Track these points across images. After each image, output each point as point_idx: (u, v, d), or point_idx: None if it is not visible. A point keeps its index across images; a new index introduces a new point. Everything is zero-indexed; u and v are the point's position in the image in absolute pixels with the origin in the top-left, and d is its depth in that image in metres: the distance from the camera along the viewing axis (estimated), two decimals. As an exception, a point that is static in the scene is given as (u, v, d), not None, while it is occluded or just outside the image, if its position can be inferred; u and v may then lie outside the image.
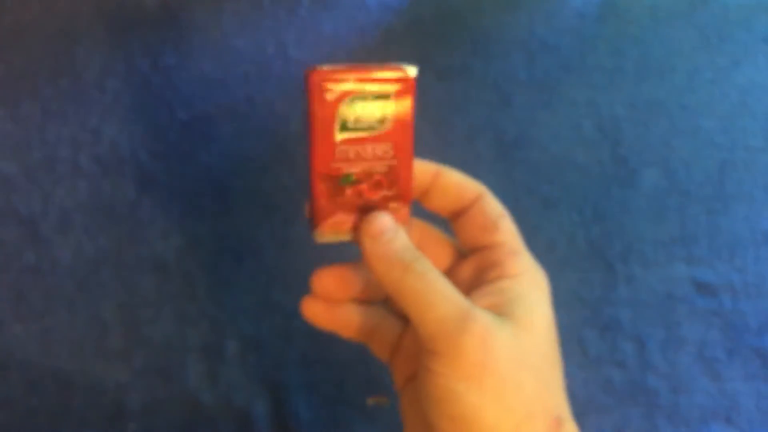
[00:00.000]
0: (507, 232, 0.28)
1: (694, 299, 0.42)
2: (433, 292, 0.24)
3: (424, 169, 0.28)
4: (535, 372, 0.23)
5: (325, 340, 0.41)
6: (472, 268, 0.27)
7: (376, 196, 0.26)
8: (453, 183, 0.29)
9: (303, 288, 0.42)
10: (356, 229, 0.27)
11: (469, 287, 0.26)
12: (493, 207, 0.28)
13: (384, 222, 0.25)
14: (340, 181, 0.26)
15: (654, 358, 0.41)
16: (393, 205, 0.27)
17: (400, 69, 0.25)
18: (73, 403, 0.40)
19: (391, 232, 0.25)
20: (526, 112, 0.43)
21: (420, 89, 0.25)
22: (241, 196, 0.42)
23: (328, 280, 0.28)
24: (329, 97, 0.25)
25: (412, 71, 0.25)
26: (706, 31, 0.44)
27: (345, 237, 0.27)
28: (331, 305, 0.29)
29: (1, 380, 0.40)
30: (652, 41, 0.44)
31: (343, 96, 0.25)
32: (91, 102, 0.42)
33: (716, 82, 0.44)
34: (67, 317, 0.41)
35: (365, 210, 0.26)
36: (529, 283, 0.26)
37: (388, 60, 0.43)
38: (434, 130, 0.42)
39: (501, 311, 0.24)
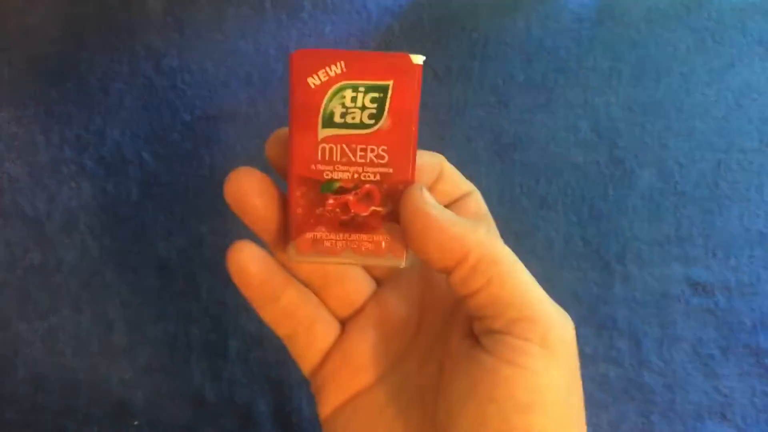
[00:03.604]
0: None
1: (689, 298, 0.42)
2: (522, 269, 0.21)
3: (425, 166, 0.23)
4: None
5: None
6: None
7: (365, 210, 0.21)
8: (452, 178, 0.24)
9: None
10: (343, 249, 0.22)
11: None
12: (482, 205, 0.25)
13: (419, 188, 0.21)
14: (321, 188, 0.21)
15: (649, 356, 0.42)
16: (388, 226, 0.22)
17: (402, 56, 0.20)
18: (78, 400, 0.41)
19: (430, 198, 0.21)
20: (523, 114, 0.43)
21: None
22: (243, 197, 0.42)
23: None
24: (312, 82, 0.21)
25: (417, 59, 0.20)
26: (702, 34, 0.45)
27: (329, 259, 0.22)
28: (269, 259, 0.23)
29: (7, 378, 0.41)
30: (648, 44, 0.44)
31: (330, 83, 0.21)
32: (95, 104, 0.43)
33: (711, 84, 0.44)
34: (72, 316, 0.41)
35: (352, 228, 0.22)
36: None
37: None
38: (432, 131, 0.43)
39: None
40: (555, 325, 0.20)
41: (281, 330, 0.24)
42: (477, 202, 0.24)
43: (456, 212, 0.21)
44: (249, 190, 0.22)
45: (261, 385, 0.41)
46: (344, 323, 0.25)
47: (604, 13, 0.45)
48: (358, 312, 0.25)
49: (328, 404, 0.24)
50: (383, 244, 0.22)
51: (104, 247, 0.42)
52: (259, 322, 0.42)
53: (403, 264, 0.22)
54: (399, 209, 0.21)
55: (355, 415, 0.23)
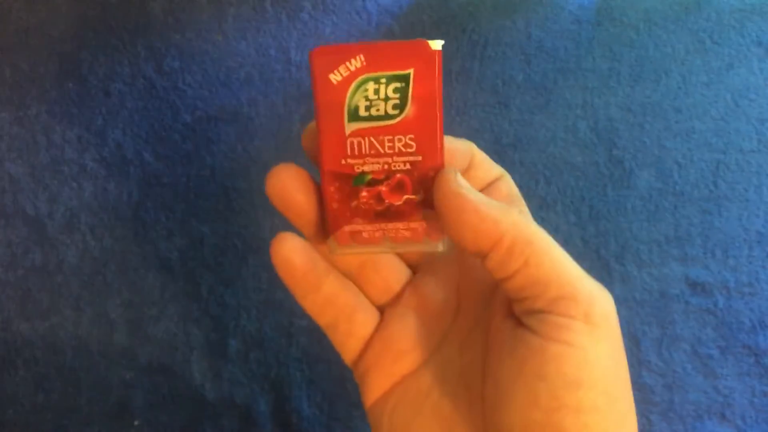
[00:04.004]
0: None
1: (688, 298, 0.42)
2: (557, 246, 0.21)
3: (456, 152, 0.23)
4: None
5: (325, 338, 0.42)
6: None
7: (398, 199, 0.22)
8: (483, 165, 0.24)
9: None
10: (382, 239, 0.22)
11: None
12: (513, 188, 0.25)
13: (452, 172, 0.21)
14: (353, 182, 0.22)
15: (649, 356, 0.42)
16: (424, 213, 0.22)
17: (420, 43, 0.20)
18: (79, 400, 0.41)
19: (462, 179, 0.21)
20: (523, 115, 0.44)
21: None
22: (243, 197, 0.43)
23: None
24: (334, 79, 0.21)
25: (435, 44, 0.21)
26: (700, 35, 0.45)
27: (368, 249, 0.23)
28: (311, 249, 0.23)
29: (8, 377, 0.41)
30: (647, 45, 0.45)
31: (352, 78, 0.21)
32: (96, 104, 0.43)
33: (710, 84, 0.44)
34: (72, 316, 0.41)
35: (388, 217, 0.22)
36: None
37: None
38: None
39: None
40: (596, 301, 0.20)
41: (322, 319, 0.25)
42: (508, 185, 0.25)
43: (489, 196, 0.22)
44: (291, 187, 0.22)
45: (261, 385, 0.41)
46: (383, 310, 0.25)
47: (603, 14, 0.45)
48: (396, 299, 0.25)
49: (373, 391, 0.24)
50: (420, 231, 0.22)
51: (105, 247, 0.42)
52: (259, 321, 0.42)
53: (440, 248, 0.22)
54: (433, 194, 0.21)
55: (401, 401, 0.24)
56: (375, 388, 0.24)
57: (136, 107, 0.43)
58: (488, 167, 0.24)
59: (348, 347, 0.25)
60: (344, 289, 0.24)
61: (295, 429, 0.41)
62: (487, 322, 0.23)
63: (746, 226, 0.43)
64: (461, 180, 0.21)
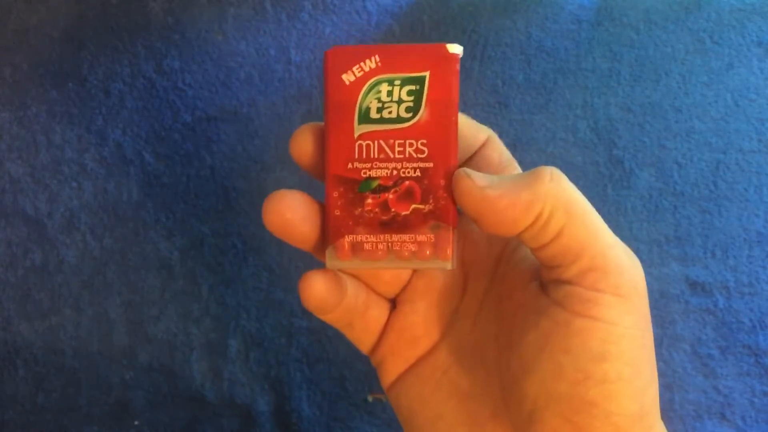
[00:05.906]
0: None
1: (688, 298, 0.42)
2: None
3: (470, 135, 0.22)
4: None
5: (325, 338, 0.42)
6: None
7: (406, 209, 0.20)
8: (469, 132, 0.23)
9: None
10: (385, 252, 0.21)
11: None
12: (503, 151, 0.24)
13: (466, 173, 0.20)
14: (359, 187, 0.20)
15: (649, 356, 0.42)
16: (431, 225, 0.21)
17: (438, 46, 0.20)
18: (79, 400, 0.41)
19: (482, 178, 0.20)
20: (523, 115, 0.44)
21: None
22: (243, 197, 0.43)
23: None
24: (347, 79, 0.20)
25: (453, 48, 0.20)
26: (700, 35, 0.45)
27: (369, 264, 0.21)
28: (341, 277, 0.23)
29: (8, 377, 0.41)
30: (647, 45, 0.45)
31: (365, 78, 0.20)
32: (96, 104, 0.43)
33: (710, 84, 0.44)
34: (72, 315, 0.41)
35: (393, 228, 0.21)
36: None
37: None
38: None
39: None
40: (626, 271, 0.20)
41: (338, 324, 0.25)
42: (497, 149, 0.24)
43: (481, 168, 0.21)
44: (293, 219, 0.21)
45: (261, 385, 0.41)
46: (394, 300, 0.26)
47: (602, 14, 0.45)
48: (405, 287, 0.25)
49: (390, 375, 0.25)
50: (427, 245, 0.21)
51: (105, 247, 0.42)
52: (259, 321, 0.42)
53: (450, 266, 0.21)
54: (456, 201, 0.20)
55: (419, 380, 0.24)
56: (392, 371, 0.25)
57: (136, 107, 0.43)
58: (474, 131, 0.23)
59: (363, 341, 0.25)
60: (357, 293, 0.24)
61: (295, 429, 0.41)
62: (497, 294, 0.23)
63: (746, 226, 0.43)
64: (477, 178, 0.20)
